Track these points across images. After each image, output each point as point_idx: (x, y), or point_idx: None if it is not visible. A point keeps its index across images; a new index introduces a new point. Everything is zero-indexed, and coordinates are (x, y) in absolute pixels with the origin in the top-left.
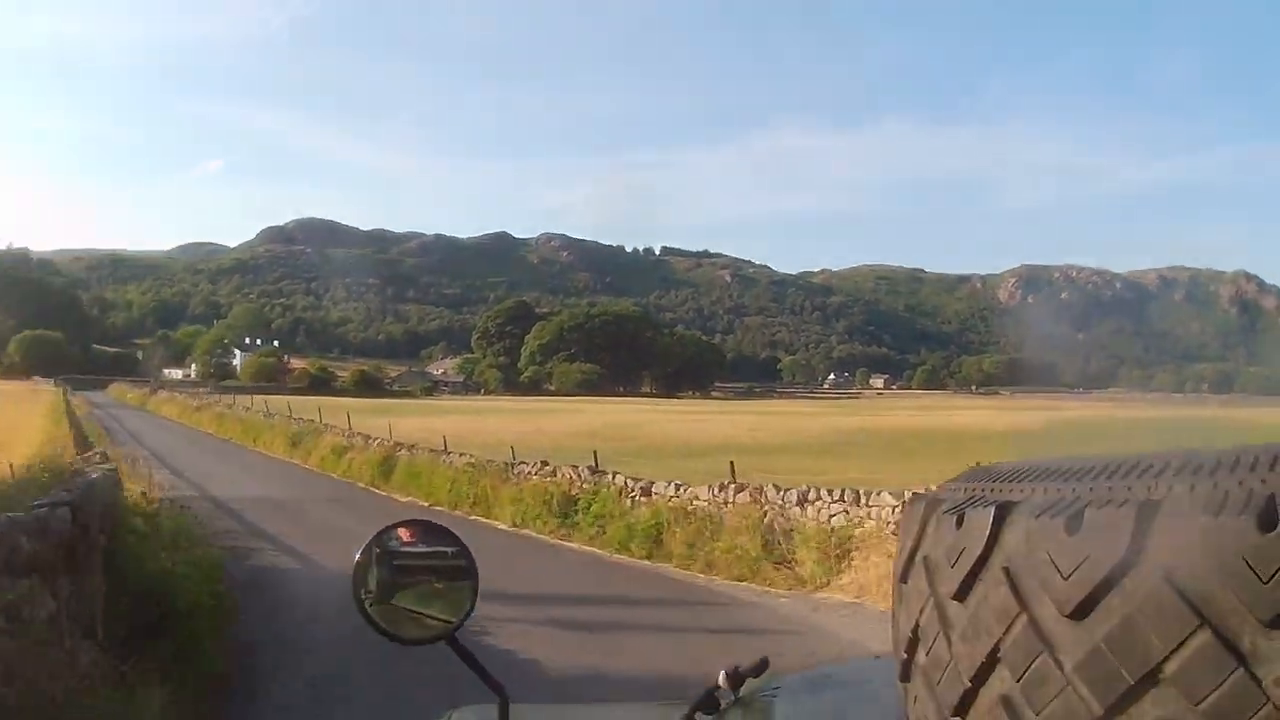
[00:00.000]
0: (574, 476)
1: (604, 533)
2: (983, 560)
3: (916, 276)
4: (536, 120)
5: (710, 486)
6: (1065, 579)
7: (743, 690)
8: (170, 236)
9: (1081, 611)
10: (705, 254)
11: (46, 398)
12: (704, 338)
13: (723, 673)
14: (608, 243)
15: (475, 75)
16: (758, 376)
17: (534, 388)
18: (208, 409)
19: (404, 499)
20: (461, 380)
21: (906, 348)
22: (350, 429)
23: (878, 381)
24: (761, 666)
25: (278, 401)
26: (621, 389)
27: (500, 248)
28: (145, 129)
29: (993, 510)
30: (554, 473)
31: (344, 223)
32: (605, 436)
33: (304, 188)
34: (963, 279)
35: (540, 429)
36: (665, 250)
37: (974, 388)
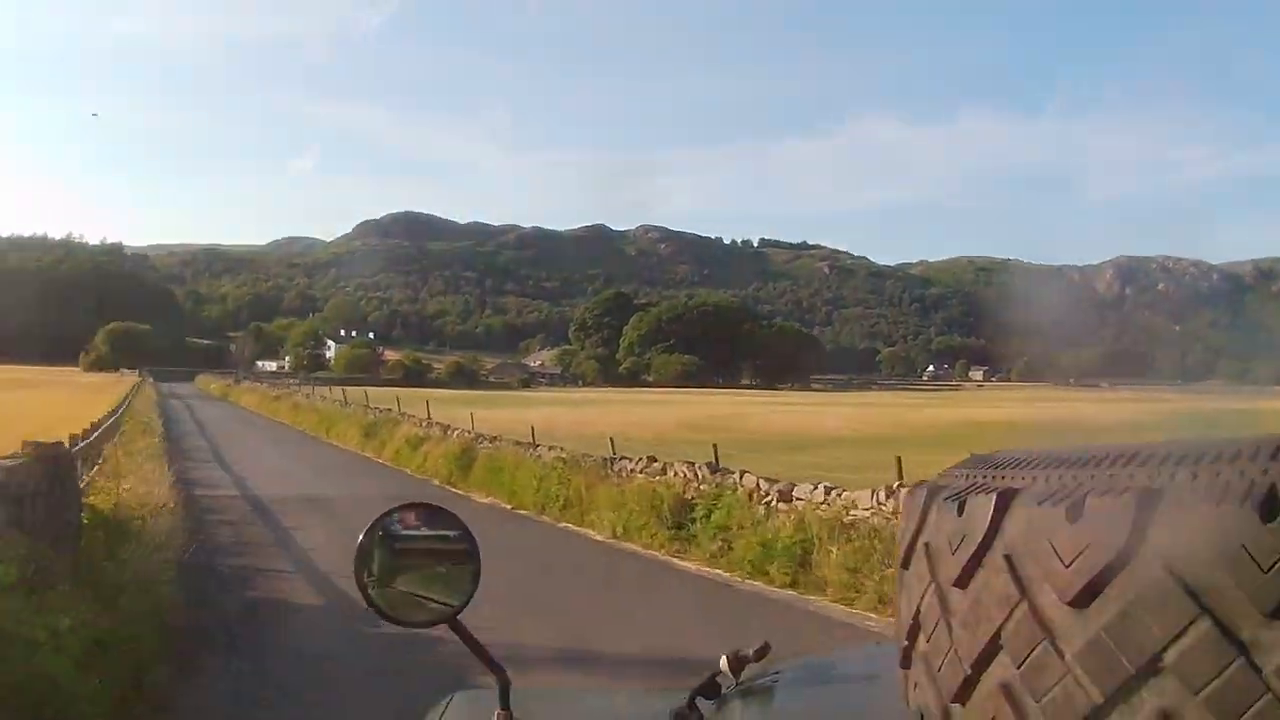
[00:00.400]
0: (689, 475)
1: (730, 549)
2: (984, 547)
3: (1013, 268)
4: (634, 112)
5: (874, 492)
6: (1066, 567)
7: (744, 675)
8: (266, 232)
9: (1082, 599)
10: (804, 245)
11: (121, 389)
12: (802, 329)
13: (724, 658)
14: (705, 234)
15: (571, 68)
16: (856, 369)
17: (632, 379)
18: (285, 399)
19: (483, 499)
20: (559, 372)
21: (1004, 339)
22: (429, 419)
23: (977, 373)
24: (763, 651)
25: (360, 392)
26: (720, 380)
27: (598, 240)
28: (243, 126)
29: (994, 497)
30: (664, 470)
31: (441, 216)
32: (708, 428)
33: (401, 183)
34: (1060, 270)
35: (639, 421)
36: (763, 242)
37: (1072, 380)
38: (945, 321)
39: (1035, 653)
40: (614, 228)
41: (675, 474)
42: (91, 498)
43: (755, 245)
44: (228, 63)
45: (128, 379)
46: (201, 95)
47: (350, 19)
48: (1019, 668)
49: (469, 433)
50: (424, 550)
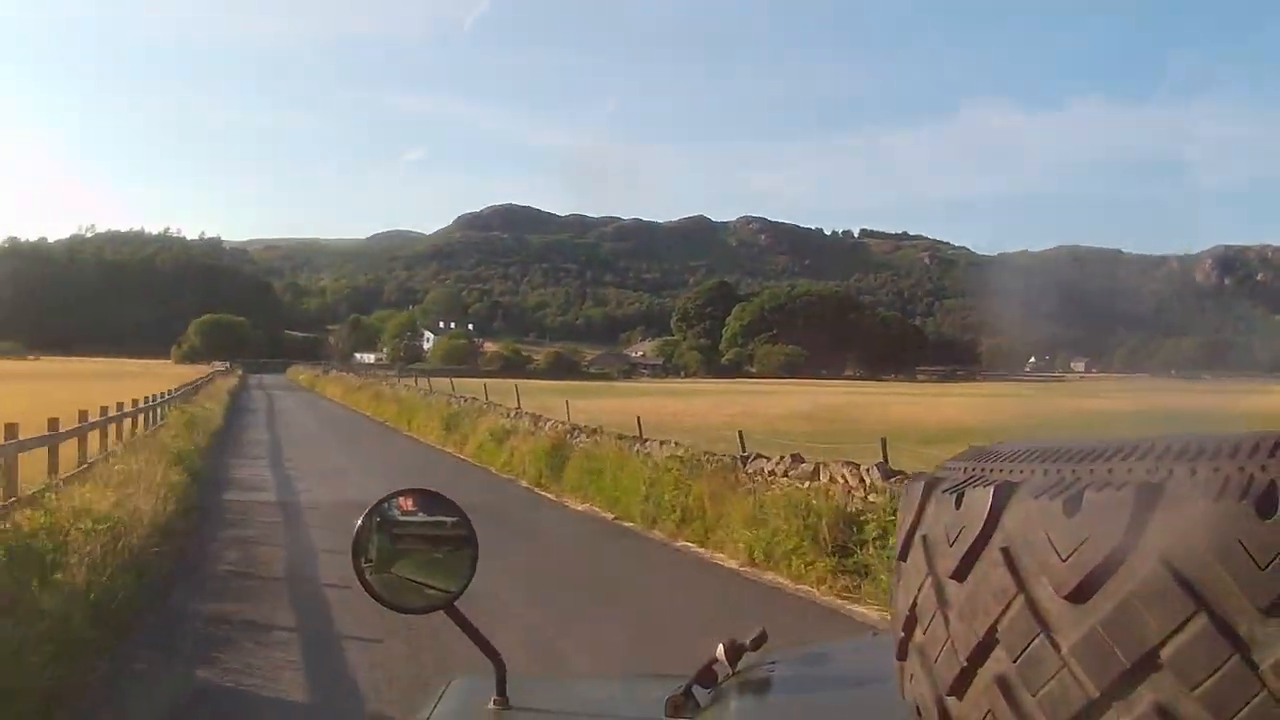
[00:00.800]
0: (851, 480)
1: None
2: (981, 540)
3: (1114, 258)
4: (733, 103)
5: None
6: (1063, 561)
7: (741, 664)
8: (365, 226)
9: (1079, 593)
10: (904, 235)
11: (193, 378)
12: (905, 320)
13: (720, 646)
14: (806, 225)
15: (670, 61)
16: (958, 359)
17: (735, 370)
18: (368, 389)
19: (578, 506)
20: (661, 363)
21: (1105, 330)
22: (518, 408)
23: (1078, 364)
24: (760, 640)
25: (449, 382)
26: (824, 371)
27: (698, 231)
28: (342, 123)
29: (992, 491)
30: (815, 473)
31: (541, 208)
32: (826, 419)
33: (500, 176)
34: (1160, 260)
35: (748, 411)
36: (864, 232)
37: (1173, 371)
38: (1045, 311)
39: (1031, 646)
40: (714, 219)
41: (832, 478)
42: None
43: (856, 235)
44: (326, 61)
45: (212, 370)
46: (301, 93)
47: (446, 16)
48: (1015, 661)
49: (563, 424)
50: (422, 536)
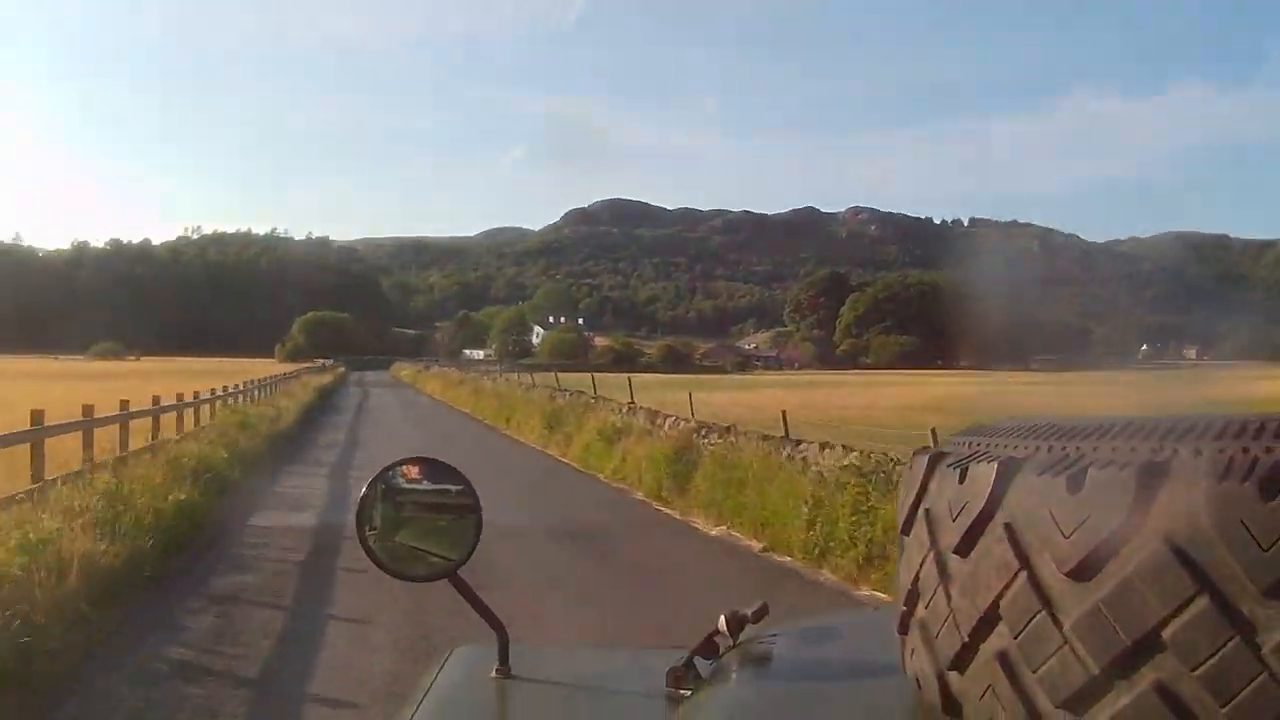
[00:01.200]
0: None
1: None
2: (985, 516)
3: (1222, 244)
4: (842, 93)
5: None
6: (1066, 538)
7: (742, 636)
8: (474, 223)
9: (1081, 571)
10: (1014, 224)
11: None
12: (1017, 309)
13: (722, 618)
14: (915, 215)
15: (776, 51)
16: (1070, 348)
17: (849, 361)
18: (468, 384)
19: (712, 530)
20: (774, 355)
21: (1214, 316)
22: (631, 403)
23: (1190, 351)
24: (761, 612)
25: (566, 378)
26: (939, 361)
27: (808, 222)
28: (450, 122)
29: (996, 466)
30: None
31: (650, 202)
32: (954, 411)
33: (608, 171)
34: (1269, 244)
35: (875, 403)
36: (974, 221)
37: None
38: (1155, 298)
39: (1033, 623)
40: (823, 210)
41: None
42: None
43: (965, 224)
44: (434, 60)
45: (300, 367)
46: (409, 93)
47: (551, 12)
48: (1016, 637)
49: (687, 422)
50: (426, 504)
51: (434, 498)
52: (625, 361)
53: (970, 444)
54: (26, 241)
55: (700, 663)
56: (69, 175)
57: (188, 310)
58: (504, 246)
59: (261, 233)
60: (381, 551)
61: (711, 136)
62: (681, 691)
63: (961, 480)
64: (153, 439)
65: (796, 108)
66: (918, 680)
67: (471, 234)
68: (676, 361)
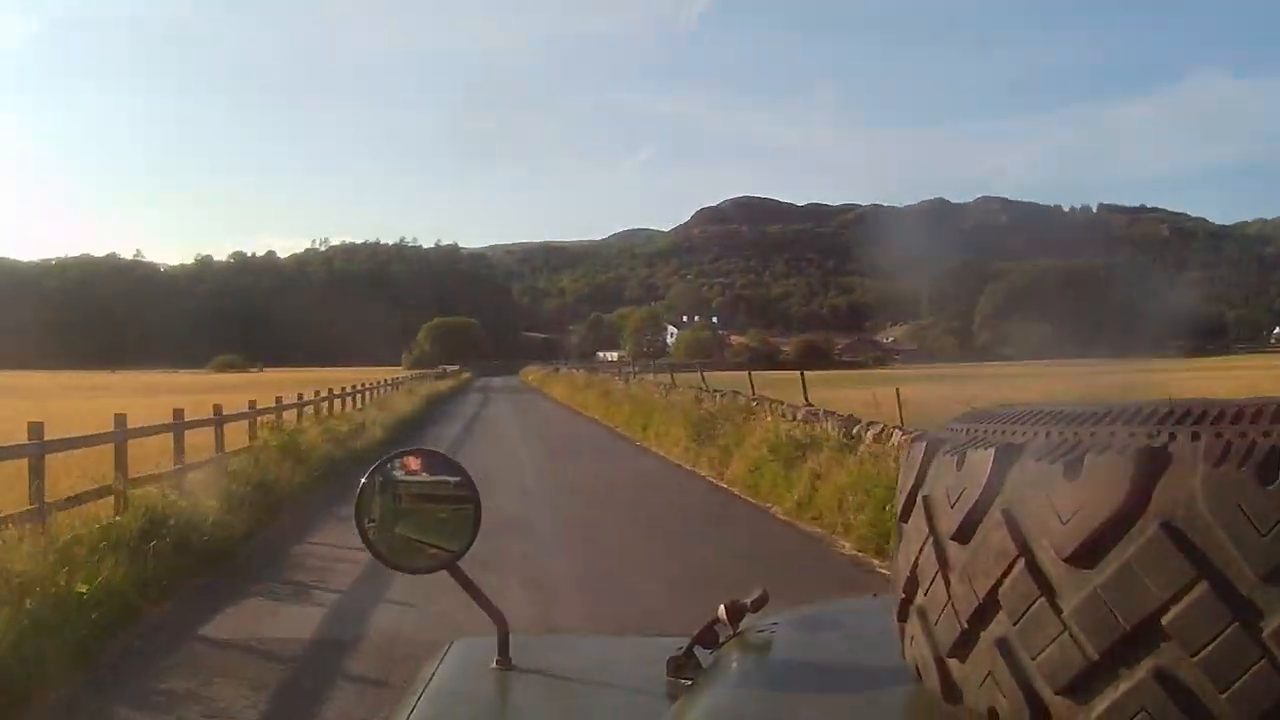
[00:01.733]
0: None
1: None
2: (983, 502)
3: None
4: (966, 82)
5: None
6: (1064, 524)
7: (742, 625)
8: (602, 226)
9: (1079, 557)
10: (1142, 208)
11: (419, 384)
12: (1151, 294)
13: (722, 606)
14: (1044, 203)
15: (896, 44)
16: (1204, 332)
17: (989, 352)
18: (598, 386)
19: None
20: (915, 348)
21: None
22: (808, 406)
23: None
24: (761, 601)
25: (712, 377)
26: (1079, 349)
27: (937, 214)
28: (575, 125)
29: (993, 452)
30: None
31: (779, 198)
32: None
33: (734, 168)
34: None
35: (1049, 396)
36: (1102, 207)
37: None
38: None
39: (1032, 609)
40: (952, 200)
41: None
42: None
43: (1094, 211)
44: (554, 64)
45: (413, 373)
46: (533, 97)
47: (672, 11)
48: (1016, 624)
49: (902, 431)
50: (424, 495)
51: (432, 489)
52: (762, 358)
53: (968, 430)
54: (148, 258)
55: (700, 651)
56: (192, 192)
57: (313, 322)
58: (635, 248)
59: (390, 242)
60: (380, 543)
61: (838, 130)
62: (682, 680)
63: (959, 467)
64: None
65: (921, 99)
66: (917, 667)
67: (601, 237)
68: (816, 357)
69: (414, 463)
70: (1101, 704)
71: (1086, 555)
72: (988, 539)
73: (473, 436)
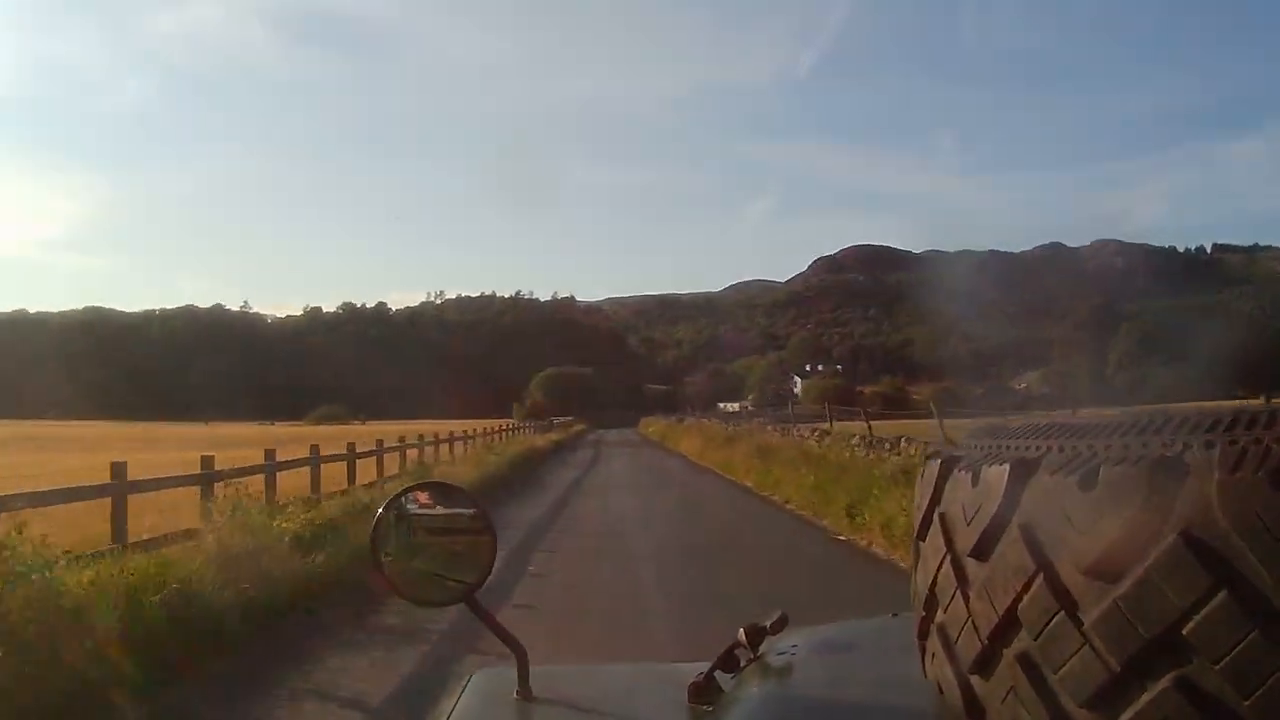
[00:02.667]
0: None
1: None
2: (1000, 518)
3: None
4: (1079, 127)
5: None
6: (1081, 537)
7: (762, 647)
8: (718, 278)
9: (1098, 570)
10: (1256, 247)
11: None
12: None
13: (742, 630)
14: (1157, 244)
15: (1010, 89)
16: None
17: (1127, 395)
18: (743, 440)
19: None
20: (1048, 392)
21: None
22: None
23: None
24: (781, 623)
25: (857, 427)
26: (1219, 390)
27: (1054, 258)
28: (690, 176)
29: (1009, 468)
30: None
31: (895, 246)
32: None
33: (852, 217)
34: None
35: None
36: (1216, 247)
37: None
38: None
39: (1053, 623)
40: (1069, 244)
41: None
42: None
43: (1209, 251)
44: (668, 117)
45: (495, 424)
46: (650, 151)
47: (785, 61)
48: (1036, 639)
49: None
50: (440, 528)
51: (448, 522)
52: (897, 405)
53: (982, 446)
54: (255, 308)
55: (721, 676)
56: (303, 243)
57: (423, 372)
58: (753, 299)
59: (505, 295)
60: (397, 577)
61: (950, 176)
62: (703, 707)
63: (975, 483)
64: None
65: (1033, 144)
66: (939, 685)
67: (717, 289)
68: (954, 404)
69: (428, 496)
70: (1125, 716)
71: (1105, 567)
72: (1006, 555)
73: (560, 524)
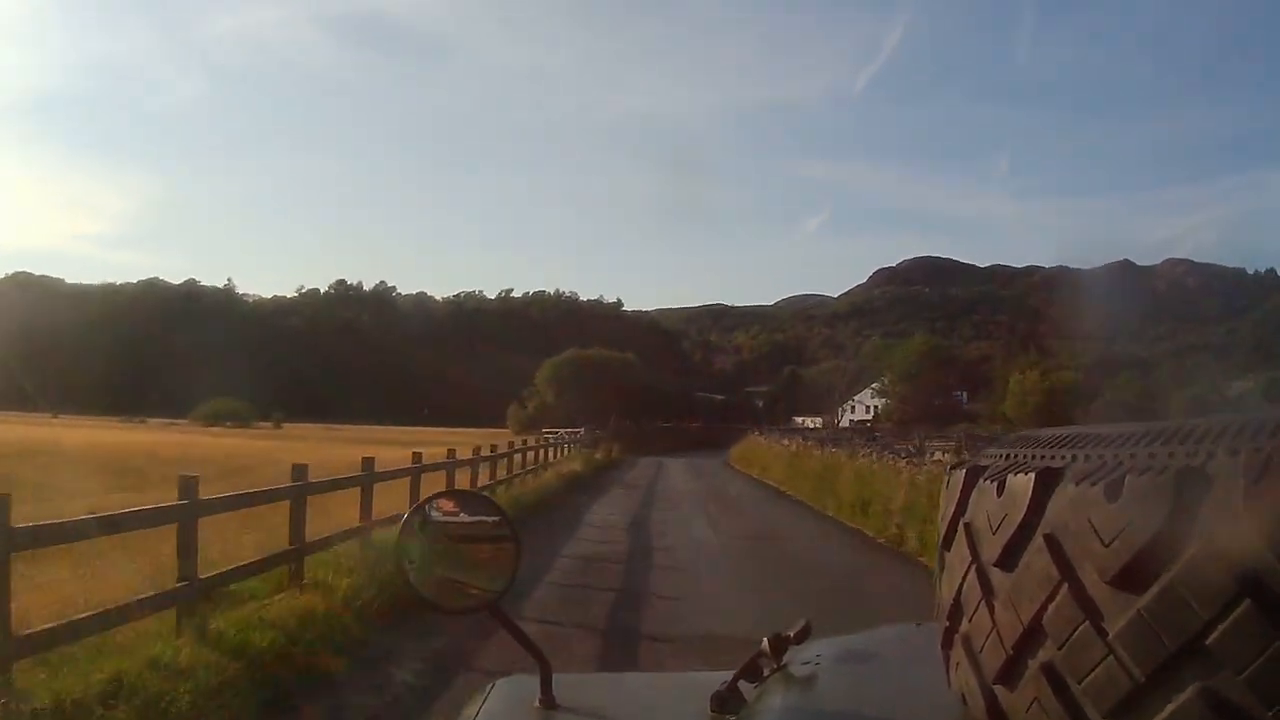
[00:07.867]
0: None
1: None
2: (1025, 527)
3: None
4: (1144, 147)
5: None
6: (1106, 546)
7: (785, 657)
8: (771, 291)
9: (1123, 579)
10: None
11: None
12: None
13: (765, 639)
14: (1227, 265)
15: (1072, 110)
16: None
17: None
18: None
19: None
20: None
21: None
22: None
23: None
24: (804, 633)
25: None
26: None
27: (1123, 276)
28: (743, 191)
29: (1034, 477)
30: None
31: (959, 259)
32: None
33: (906, 233)
34: None
35: None
36: None
37: None
38: None
39: (1077, 633)
40: (1138, 263)
41: None
42: None
43: (1278, 274)
44: (725, 131)
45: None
46: (705, 164)
47: (842, 78)
48: (1061, 648)
49: None
50: (464, 536)
51: (471, 530)
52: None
53: (1007, 456)
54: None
55: (744, 686)
56: (349, 240)
57: (443, 375)
58: (809, 310)
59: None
60: (422, 585)
61: (1011, 193)
62: (726, 716)
63: (1000, 493)
64: None
65: (1101, 161)
66: (964, 695)
67: (769, 303)
68: (1054, 422)
69: (452, 504)
70: None
71: (1130, 577)
72: (1031, 564)
73: None
